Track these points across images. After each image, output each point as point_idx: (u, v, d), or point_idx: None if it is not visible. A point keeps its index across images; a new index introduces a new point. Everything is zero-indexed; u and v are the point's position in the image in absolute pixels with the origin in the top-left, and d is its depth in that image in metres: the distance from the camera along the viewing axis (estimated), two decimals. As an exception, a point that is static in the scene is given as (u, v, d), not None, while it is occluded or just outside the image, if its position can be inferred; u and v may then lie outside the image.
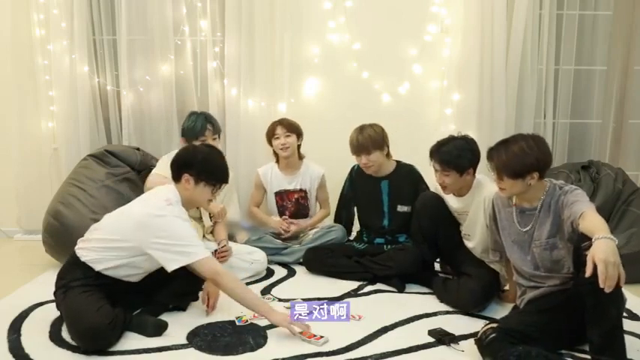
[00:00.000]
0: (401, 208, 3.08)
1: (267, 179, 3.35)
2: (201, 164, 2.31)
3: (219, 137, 3.16)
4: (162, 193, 2.31)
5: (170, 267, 2.19)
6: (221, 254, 2.84)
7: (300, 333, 2.24)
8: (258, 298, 2.33)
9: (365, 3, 3.61)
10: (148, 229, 2.17)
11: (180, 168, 2.33)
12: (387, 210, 3.10)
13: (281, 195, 3.35)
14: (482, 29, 3.50)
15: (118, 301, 2.24)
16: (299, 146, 3.34)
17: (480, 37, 3.50)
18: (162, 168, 2.95)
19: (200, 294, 2.53)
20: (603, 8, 3.70)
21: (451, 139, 2.62)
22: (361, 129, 3.02)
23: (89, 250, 2.25)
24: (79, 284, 2.20)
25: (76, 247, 2.30)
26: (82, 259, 2.23)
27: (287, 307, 2.54)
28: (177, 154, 2.42)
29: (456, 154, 2.54)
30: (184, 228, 2.22)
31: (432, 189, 2.96)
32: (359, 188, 3.20)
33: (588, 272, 1.76)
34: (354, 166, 3.22)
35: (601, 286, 1.74)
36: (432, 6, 3.58)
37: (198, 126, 3.02)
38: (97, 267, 2.22)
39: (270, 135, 3.27)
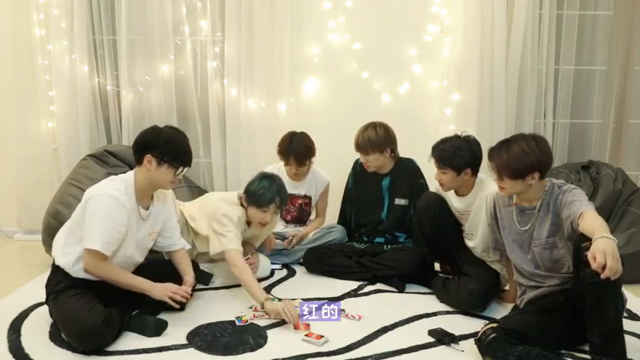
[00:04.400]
0: (398, 201, 3.11)
1: None
2: (166, 145, 2.23)
3: (280, 212, 2.91)
4: (111, 176, 2.32)
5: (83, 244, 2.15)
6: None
7: (305, 335, 2.25)
8: (139, 283, 2.26)
9: (365, 3, 3.61)
10: (84, 204, 2.17)
11: (142, 149, 2.25)
12: (387, 204, 3.13)
13: None
14: (482, 29, 3.50)
15: (112, 301, 2.24)
16: None
17: (479, 37, 3.50)
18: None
19: (198, 294, 2.53)
20: (603, 8, 3.70)
21: (453, 138, 2.63)
22: (365, 129, 3.04)
23: (56, 248, 2.26)
24: (64, 287, 2.20)
25: (52, 253, 2.31)
26: (56, 262, 2.24)
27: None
28: (141, 135, 2.31)
29: (451, 153, 2.55)
30: (104, 209, 2.12)
31: (432, 188, 2.97)
32: (360, 182, 3.22)
33: (595, 267, 1.75)
34: (357, 160, 3.24)
35: (601, 274, 1.73)
36: (432, 6, 3.58)
37: (267, 196, 2.64)
38: (72, 274, 2.22)
39: (282, 158, 3.16)
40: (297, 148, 3.10)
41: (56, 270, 2.26)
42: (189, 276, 2.44)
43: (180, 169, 2.28)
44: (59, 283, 2.22)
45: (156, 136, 2.25)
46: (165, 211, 2.44)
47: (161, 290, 2.26)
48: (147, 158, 2.22)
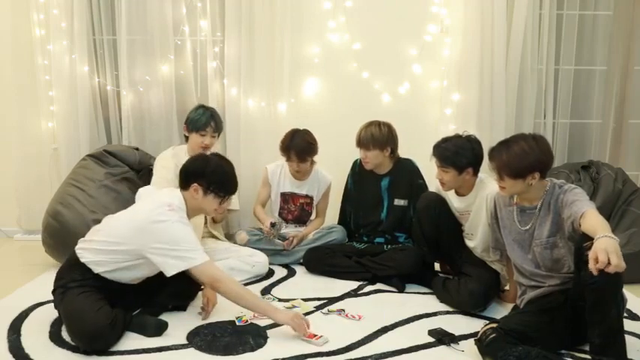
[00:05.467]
0: (398, 202, 3.11)
1: (275, 178, 3.33)
2: (213, 175, 2.29)
3: (218, 136, 3.16)
4: (165, 198, 2.30)
5: (169, 272, 2.17)
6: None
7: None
8: (259, 300, 2.29)
9: (365, 3, 3.61)
10: (147, 235, 2.16)
11: (190, 177, 2.30)
12: (386, 204, 3.13)
13: (286, 197, 3.34)
14: (482, 29, 3.49)
15: (117, 302, 2.24)
16: None
17: (479, 37, 3.50)
18: (163, 173, 2.99)
19: (200, 294, 2.53)
20: (603, 8, 3.70)
21: (454, 137, 2.64)
22: (368, 125, 3.06)
23: (89, 251, 2.24)
24: (76, 285, 2.19)
25: (77, 247, 2.28)
26: (82, 259, 2.22)
27: (288, 307, 2.55)
28: (189, 163, 2.39)
29: (454, 152, 2.55)
30: (185, 233, 2.19)
31: (432, 188, 2.97)
32: (359, 182, 3.23)
33: (593, 267, 1.75)
34: (356, 160, 3.25)
35: (605, 270, 1.73)
36: (432, 6, 3.58)
37: (202, 120, 3.04)
38: (96, 269, 2.21)
39: (284, 154, 3.19)
40: (299, 144, 3.13)
41: (75, 266, 2.24)
42: (209, 291, 2.47)
43: (226, 197, 2.36)
44: (74, 280, 2.21)
45: (204, 165, 2.31)
46: None
47: (287, 317, 2.24)
48: (193, 187, 2.28)
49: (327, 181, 3.36)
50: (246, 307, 2.26)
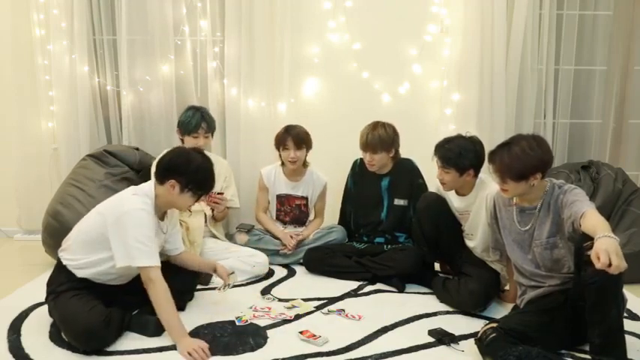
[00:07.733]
0: (398, 202, 3.11)
1: (271, 181, 3.33)
2: (193, 174, 2.19)
3: (212, 135, 3.19)
4: (130, 188, 2.31)
5: (117, 262, 2.12)
6: (213, 199, 2.76)
7: (300, 332, 2.25)
8: (176, 325, 2.14)
9: (365, 3, 3.61)
10: (107, 213, 2.16)
11: (168, 172, 2.20)
12: (386, 204, 3.13)
13: (281, 199, 3.34)
14: (482, 29, 3.49)
15: (112, 302, 2.24)
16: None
17: (479, 37, 3.50)
18: None
19: (198, 294, 2.52)
20: (603, 8, 3.70)
21: (457, 138, 2.62)
22: (374, 127, 3.04)
23: (67, 251, 2.26)
24: (65, 288, 2.20)
25: (59, 250, 2.30)
26: (63, 262, 2.24)
27: (288, 307, 2.55)
28: (169, 157, 2.26)
29: (457, 153, 2.54)
30: (142, 224, 2.12)
31: (432, 188, 2.97)
32: (360, 182, 3.22)
33: (599, 267, 1.74)
34: (356, 160, 3.24)
35: (609, 270, 1.73)
36: (432, 6, 3.58)
37: (193, 123, 3.07)
38: (78, 273, 2.22)
39: (280, 144, 3.22)
40: (296, 132, 3.18)
41: (60, 270, 2.26)
42: (218, 265, 2.50)
43: (202, 196, 2.32)
44: (62, 284, 2.22)
45: (185, 163, 2.20)
46: (173, 218, 2.45)
47: (186, 345, 2.09)
48: (170, 183, 2.19)
49: (323, 181, 3.35)
50: (162, 322, 2.17)
